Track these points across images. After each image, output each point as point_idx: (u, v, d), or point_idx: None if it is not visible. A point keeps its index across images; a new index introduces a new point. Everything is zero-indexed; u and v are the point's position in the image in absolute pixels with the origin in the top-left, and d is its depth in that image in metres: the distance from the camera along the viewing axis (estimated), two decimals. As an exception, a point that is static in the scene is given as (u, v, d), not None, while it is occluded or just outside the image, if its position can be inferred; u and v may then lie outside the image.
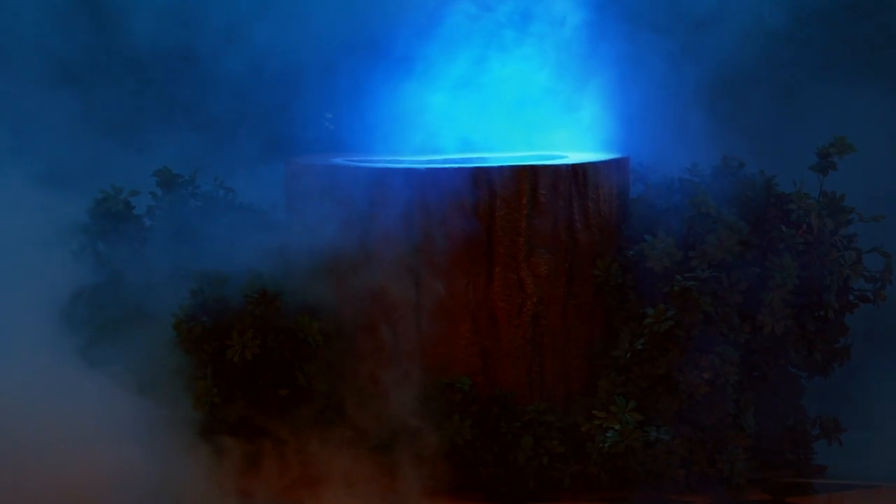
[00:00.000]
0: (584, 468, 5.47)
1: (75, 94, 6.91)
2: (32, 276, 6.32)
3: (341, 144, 6.87)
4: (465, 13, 6.29)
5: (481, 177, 5.54)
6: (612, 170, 5.76)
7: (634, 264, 5.66)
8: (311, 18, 7.35)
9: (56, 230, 5.85)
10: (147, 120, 7.19)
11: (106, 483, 5.43)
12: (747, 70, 7.60)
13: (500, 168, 5.57)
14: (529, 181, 5.57)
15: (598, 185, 5.69)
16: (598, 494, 5.49)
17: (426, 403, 5.51)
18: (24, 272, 6.25)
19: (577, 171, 5.64)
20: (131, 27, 7.07)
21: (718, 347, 5.51)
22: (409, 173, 5.56)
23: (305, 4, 7.25)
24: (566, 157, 6.01)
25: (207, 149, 6.69)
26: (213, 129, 6.94)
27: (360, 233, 5.61)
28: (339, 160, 5.94)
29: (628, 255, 5.68)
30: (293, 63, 7.26)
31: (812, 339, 5.71)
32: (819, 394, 6.00)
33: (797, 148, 6.23)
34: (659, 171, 5.94)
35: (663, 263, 5.55)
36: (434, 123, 6.18)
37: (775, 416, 5.70)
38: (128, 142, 6.93)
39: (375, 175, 5.60)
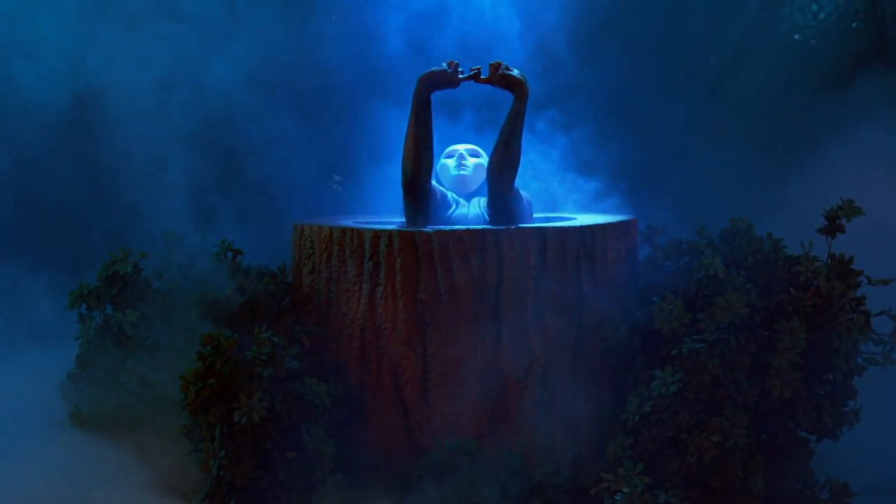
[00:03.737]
0: (593, 531, 5.44)
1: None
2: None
3: (348, 206, 6.89)
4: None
5: (489, 238, 5.52)
6: (620, 232, 5.75)
7: (643, 326, 5.64)
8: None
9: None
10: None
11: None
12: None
13: (508, 230, 5.55)
14: (537, 243, 5.55)
15: (606, 246, 5.68)
16: (607, 557, 5.47)
17: (434, 467, 5.48)
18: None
19: (585, 233, 5.63)
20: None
21: (727, 410, 5.49)
22: (417, 235, 5.54)
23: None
24: (574, 218, 6.02)
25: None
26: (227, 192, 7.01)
27: (367, 293, 5.59)
28: (347, 222, 5.94)
29: (636, 316, 5.66)
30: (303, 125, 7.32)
31: (821, 402, 5.67)
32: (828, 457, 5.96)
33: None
34: (667, 233, 5.95)
35: (671, 326, 5.54)
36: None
37: (784, 479, 5.66)
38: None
39: (383, 237, 5.57)
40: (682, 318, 5.54)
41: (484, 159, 6.10)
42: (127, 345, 5.80)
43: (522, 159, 5.82)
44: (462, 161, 6.11)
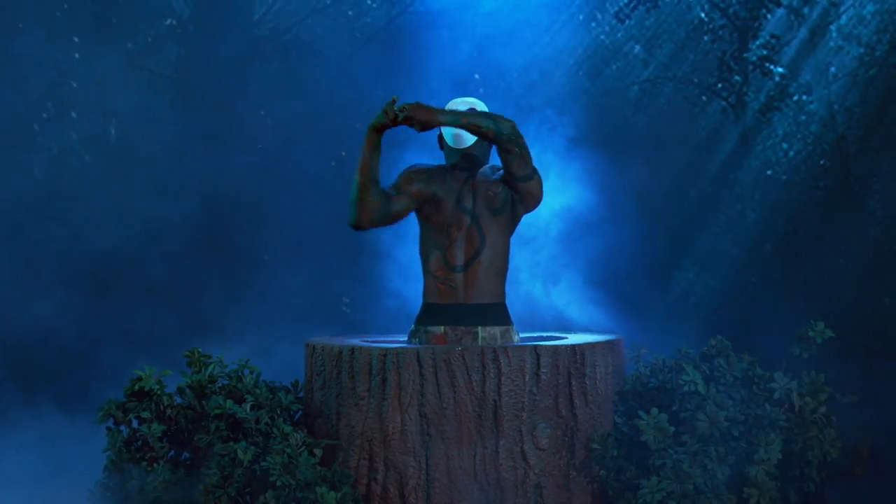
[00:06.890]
0: None
1: None
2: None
3: (358, 327, 7.08)
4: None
5: (488, 356, 5.79)
6: (608, 350, 6.01)
7: (629, 438, 5.88)
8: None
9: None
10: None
11: None
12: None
13: (506, 348, 5.82)
14: (532, 360, 5.81)
15: (595, 363, 5.93)
16: None
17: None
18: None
19: (576, 351, 5.89)
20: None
21: (708, 517, 5.70)
22: (421, 353, 5.80)
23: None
24: (566, 337, 6.29)
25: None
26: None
27: (375, 407, 5.83)
28: (355, 340, 6.20)
29: (623, 429, 5.92)
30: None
31: (795, 510, 5.90)
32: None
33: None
34: (651, 352, 6.20)
35: (656, 438, 5.79)
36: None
37: (762, 584, 5.83)
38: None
39: (390, 355, 5.82)
40: (666, 431, 5.79)
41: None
42: (151, 456, 6.03)
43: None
44: None
